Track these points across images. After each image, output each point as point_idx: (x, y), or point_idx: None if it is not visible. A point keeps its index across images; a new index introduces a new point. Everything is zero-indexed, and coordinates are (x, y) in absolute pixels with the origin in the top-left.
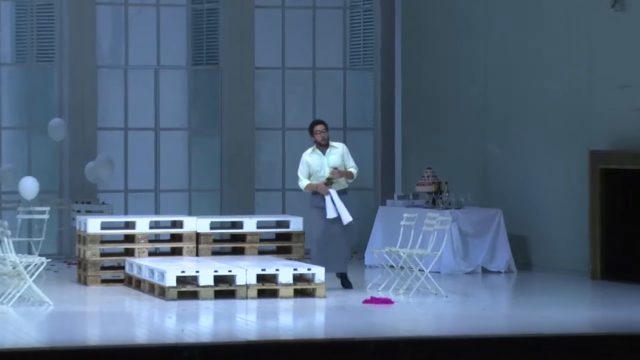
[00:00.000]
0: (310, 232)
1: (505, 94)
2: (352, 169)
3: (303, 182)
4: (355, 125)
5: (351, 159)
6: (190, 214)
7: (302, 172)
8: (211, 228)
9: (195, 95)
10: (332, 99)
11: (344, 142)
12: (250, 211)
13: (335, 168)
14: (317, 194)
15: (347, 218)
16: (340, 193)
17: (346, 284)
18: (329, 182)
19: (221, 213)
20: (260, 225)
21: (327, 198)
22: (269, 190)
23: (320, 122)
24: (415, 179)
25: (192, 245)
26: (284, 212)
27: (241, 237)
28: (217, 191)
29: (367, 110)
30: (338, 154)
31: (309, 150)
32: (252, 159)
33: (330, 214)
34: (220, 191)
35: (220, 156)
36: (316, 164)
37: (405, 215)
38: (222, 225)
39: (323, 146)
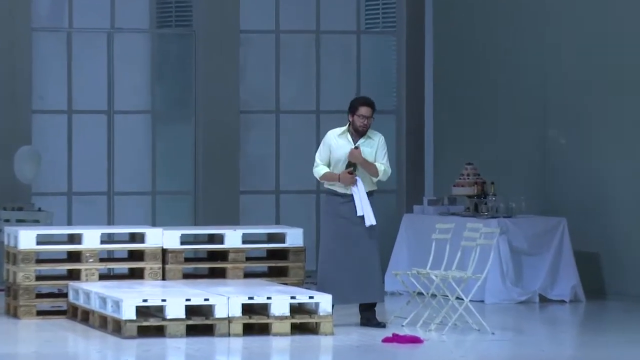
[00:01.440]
0: (319, 247)
1: (573, 73)
2: (380, 165)
3: (320, 169)
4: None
5: (385, 153)
6: (154, 224)
7: (320, 156)
8: (182, 243)
9: (161, 67)
10: (341, 72)
11: None
12: (233, 220)
13: (358, 147)
14: (335, 196)
15: (371, 219)
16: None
17: (373, 322)
18: (352, 169)
19: (195, 223)
20: (246, 239)
21: (355, 190)
22: (259, 192)
23: (368, 102)
24: (451, 177)
25: (157, 265)
26: (278, 222)
27: (222, 255)
28: (190, 194)
29: (387, 88)
30: (372, 146)
31: (338, 130)
32: (236, 152)
33: (360, 209)
34: (194, 194)
35: (194, 148)
36: (341, 152)
37: (438, 225)
38: (197, 239)
39: (359, 134)
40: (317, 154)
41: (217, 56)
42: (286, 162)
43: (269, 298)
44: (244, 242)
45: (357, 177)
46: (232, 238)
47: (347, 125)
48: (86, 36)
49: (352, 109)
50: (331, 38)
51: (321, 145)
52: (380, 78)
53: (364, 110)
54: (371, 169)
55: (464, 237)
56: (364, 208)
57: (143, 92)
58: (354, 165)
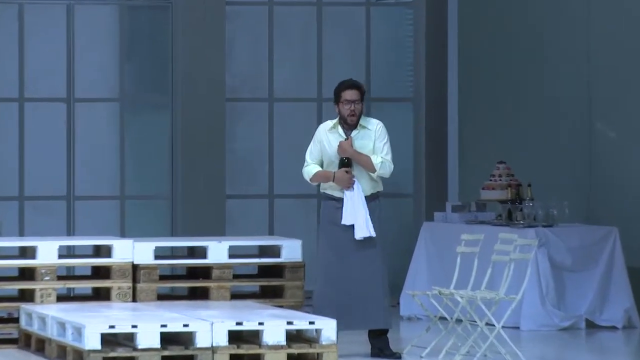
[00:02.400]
0: (318, 261)
1: (623, 58)
2: (378, 157)
3: (310, 169)
4: (383, 93)
5: (386, 145)
6: (123, 234)
7: (311, 154)
8: (156, 257)
9: (132, 46)
10: (347, 51)
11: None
12: (218, 230)
13: (348, 138)
14: (331, 200)
15: (363, 230)
16: (366, 199)
17: (386, 352)
18: (343, 167)
19: (173, 234)
20: (234, 252)
21: (349, 194)
22: (249, 196)
23: (353, 85)
24: (480, 178)
25: (127, 284)
26: (271, 232)
27: (204, 272)
28: (167, 198)
29: (403, 71)
30: (369, 137)
31: (329, 124)
32: (221, 147)
33: (348, 218)
34: (171, 198)
35: (172, 143)
36: (333, 149)
37: (464, 236)
38: (174, 253)
39: (349, 124)
40: (308, 152)
41: (199, 33)
42: (282, 160)
43: (260, 324)
44: (230, 256)
45: (354, 179)
46: (217, 251)
47: (337, 118)
48: (41, 8)
49: (336, 97)
50: (335, 11)
51: (312, 142)
52: (394, 59)
53: (348, 95)
54: (363, 160)
55: (495, 251)
56: (356, 215)
57: (110, 76)
58: (349, 161)
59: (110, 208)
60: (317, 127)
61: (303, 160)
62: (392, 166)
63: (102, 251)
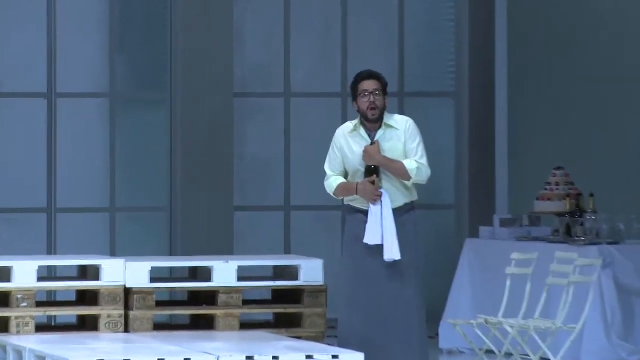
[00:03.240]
0: (342, 285)
1: None
2: (412, 162)
3: (331, 181)
4: (419, 87)
5: (420, 146)
6: (113, 253)
7: (330, 164)
8: (153, 280)
9: (124, 32)
10: (377, 38)
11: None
12: (225, 248)
13: (373, 143)
14: (357, 213)
15: (392, 252)
16: (398, 212)
17: None
18: (370, 176)
19: (171, 252)
20: (244, 274)
21: (373, 209)
22: (261, 208)
23: (371, 75)
24: (534, 187)
25: (118, 312)
26: (287, 251)
27: (208, 298)
28: (164, 211)
29: (442, 60)
30: (397, 138)
31: (348, 126)
32: (228, 151)
33: (372, 237)
34: (170, 211)
35: (170, 145)
36: (357, 156)
37: (515, 256)
38: (174, 275)
39: (372, 122)
40: (326, 163)
41: (202, 17)
42: (300, 166)
43: (275, 358)
44: (240, 278)
45: (382, 189)
46: (224, 273)
47: (358, 118)
48: None
49: (353, 92)
50: None
51: (330, 150)
52: (432, 48)
53: (365, 85)
54: (395, 168)
55: (552, 272)
56: (384, 234)
57: (98, 68)
58: (376, 169)
59: (99, 222)
60: (339, 126)
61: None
62: (430, 171)
63: (88, 273)
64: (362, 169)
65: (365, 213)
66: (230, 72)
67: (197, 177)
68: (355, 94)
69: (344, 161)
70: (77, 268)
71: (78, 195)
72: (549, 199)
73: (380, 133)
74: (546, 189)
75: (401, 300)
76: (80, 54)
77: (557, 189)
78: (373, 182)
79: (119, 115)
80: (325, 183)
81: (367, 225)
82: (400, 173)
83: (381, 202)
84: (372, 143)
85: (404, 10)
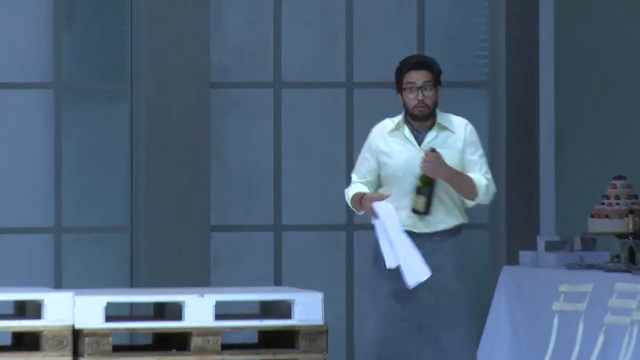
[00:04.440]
0: (363, 326)
1: None
2: (480, 178)
3: (350, 189)
4: (445, 75)
5: (483, 158)
6: (59, 284)
7: (360, 170)
8: (108, 319)
9: (71, 8)
10: (389, 15)
11: None
12: (199, 277)
13: (434, 150)
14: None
15: (415, 274)
16: (443, 235)
17: None
18: (424, 189)
19: (132, 283)
20: (223, 311)
21: (378, 226)
22: (245, 228)
23: (421, 63)
24: (587, 202)
25: (65, 358)
26: (278, 281)
27: (179, 341)
28: (123, 231)
29: (472, 44)
30: (453, 144)
31: (388, 124)
32: (205, 155)
33: (391, 260)
34: (131, 231)
35: (130, 148)
36: (400, 160)
37: (564, 287)
38: (135, 313)
39: (421, 121)
40: (356, 168)
41: None
42: (293, 174)
43: None
44: (218, 316)
45: (389, 203)
46: (198, 310)
47: (402, 114)
48: None
49: (398, 82)
50: None
51: (362, 151)
52: (460, 28)
53: (413, 76)
54: (464, 186)
55: (610, 309)
56: (397, 254)
57: (38, 52)
58: (430, 184)
59: (40, 245)
60: (346, 125)
61: (328, 173)
62: (496, 189)
63: (27, 309)
64: (406, 177)
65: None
66: (206, 57)
67: (164, 189)
68: (399, 85)
69: (379, 167)
70: (13, 304)
71: (14, 212)
72: (606, 216)
73: (431, 135)
74: (603, 204)
75: (439, 330)
76: (15, 33)
77: (618, 204)
78: (428, 201)
79: (66, 111)
80: (346, 191)
81: (382, 247)
82: (468, 190)
83: (380, 214)
84: (432, 150)
85: None
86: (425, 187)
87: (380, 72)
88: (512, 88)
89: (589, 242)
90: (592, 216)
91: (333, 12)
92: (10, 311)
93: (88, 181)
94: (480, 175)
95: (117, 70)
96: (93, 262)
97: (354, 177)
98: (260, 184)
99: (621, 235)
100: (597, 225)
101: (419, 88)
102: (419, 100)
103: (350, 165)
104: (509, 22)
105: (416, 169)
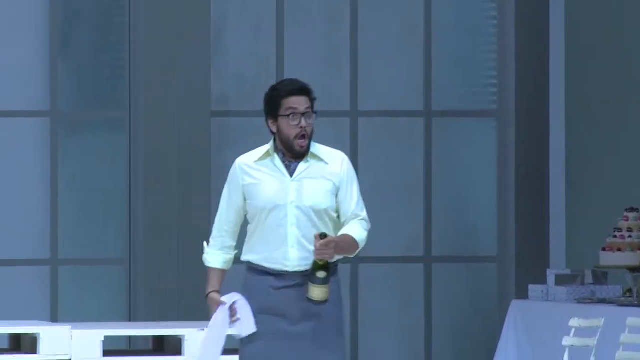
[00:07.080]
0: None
1: None
2: (356, 224)
3: (207, 258)
4: (451, 104)
5: (358, 192)
6: (55, 318)
7: (220, 219)
8: (106, 354)
9: (69, 36)
10: (396, 41)
11: (426, 145)
12: (200, 311)
13: (324, 235)
14: (263, 274)
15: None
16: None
17: None
18: (319, 272)
19: (130, 317)
20: (225, 345)
21: (220, 313)
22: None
23: (304, 87)
24: (599, 234)
25: None
26: None
27: None
28: (121, 263)
29: (480, 71)
30: (324, 174)
31: (252, 156)
32: (205, 186)
33: (245, 327)
34: (130, 264)
35: (129, 178)
36: (268, 189)
37: (575, 322)
38: (133, 347)
39: (297, 152)
40: (217, 217)
41: (170, 15)
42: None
43: None
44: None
45: (235, 298)
46: (198, 344)
47: (271, 142)
48: None
49: (272, 107)
50: None
51: (223, 195)
52: (468, 55)
53: (293, 102)
54: (350, 248)
55: (623, 345)
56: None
57: (35, 80)
58: (326, 268)
59: (37, 278)
60: (349, 154)
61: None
62: (370, 224)
63: (23, 343)
64: (272, 210)
65: (277, 275)
66: (207, 85)
67: (164, 220)
68: (275, 110)
69: (246, 204)
70: (8, 337)
71: (10, 244)
72: (619, 250)
73: (303, 166)
74: (615, 237)
75: None
76: (11, 61)
77: (630, 237)
78: (324, 280)
79: (63, 140)
80: (203, 257)
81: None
82: (353, 250)
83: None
84: (322, 236)
85: (432, 4)
86: (322, 274)
87: (387, 99)
88: (521, 117)
89: (601, 276)
90: (603, 249)
91: (337, 37)
92: (6, 345)
93: (85, 212)
94: (356, 225)
95: (115, 98)
96: (90, 295)
97: (214, 232)
98: None
99: (634, 269)
100: (608, 259)
101: (302, 115)
102: (301, 127)
103: None
104: (518, 51)
105: (287, 202)
